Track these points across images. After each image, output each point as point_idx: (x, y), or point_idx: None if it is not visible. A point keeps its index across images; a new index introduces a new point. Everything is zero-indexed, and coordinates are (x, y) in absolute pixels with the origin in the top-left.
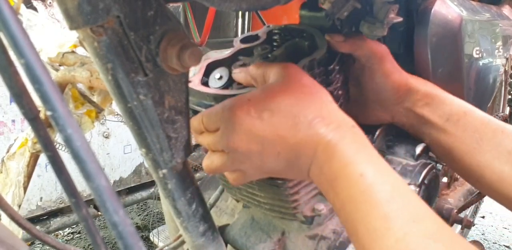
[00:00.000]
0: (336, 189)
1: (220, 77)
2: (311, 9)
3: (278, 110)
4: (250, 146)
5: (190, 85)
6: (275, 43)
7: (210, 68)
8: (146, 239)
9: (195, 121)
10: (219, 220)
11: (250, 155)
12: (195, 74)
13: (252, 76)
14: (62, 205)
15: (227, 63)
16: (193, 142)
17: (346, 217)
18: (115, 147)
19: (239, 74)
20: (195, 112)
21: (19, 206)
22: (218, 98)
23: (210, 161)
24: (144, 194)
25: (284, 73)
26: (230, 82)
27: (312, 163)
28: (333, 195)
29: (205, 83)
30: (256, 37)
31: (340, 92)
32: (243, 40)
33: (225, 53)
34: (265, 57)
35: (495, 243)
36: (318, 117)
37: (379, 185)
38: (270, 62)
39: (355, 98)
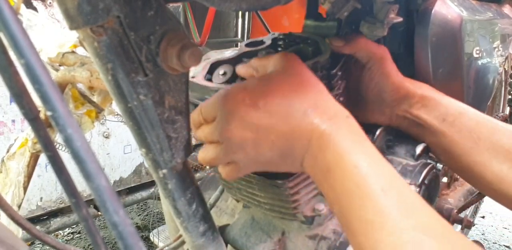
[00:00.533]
0: (330, 180)
1: (224, 73)
2: (316, 19)
3: (273, 99)
4: (244, 134)
5: (194, 80)
6: (279, 48)
7: (213, 67)
8: (146, 239)
9: (194, 114)
10: (219, 220)
11: (244, 143)
12: (195, 73)
13: (253, 67)
14: (62, 205)
15: (231, 63)
16: (193, 142)
17: (340, 209)
18: (115, 147)
19: (241, 68)
20: None
21: (19, 206)
22: None
23: (205, 153)
24: (144, 194)
25: (283, 63)
26: (234, 79)
27: (306, 152)
28: (327, 186)
29: (208, 80)
30: (261, 42)
31: (341, 98)
32: (248, 45)
33: (226, 53)
34: None
35: (495, 243)
36: (313, 107)
37: (373, 177)
38: None
39: (354, 100)
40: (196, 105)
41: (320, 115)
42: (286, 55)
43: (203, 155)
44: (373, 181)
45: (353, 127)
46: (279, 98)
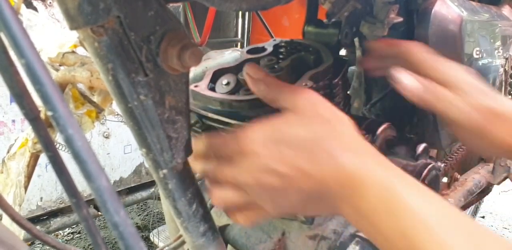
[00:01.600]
0: (380, 225)
1: (228, 83)
2: (317, 25)
3: (296, 145)
4: (269, 180)
5: (197, 90)
6: (281, 56)
7: (216, 76)
8: (146, 239)
9: (200, 146)
10: (219, 220)
11: (269, 190)
12: (195, 76)
13: (263, 95)
14: (62, 205)
15: (233, 71)
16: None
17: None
18: (115, 147)
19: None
20: (200, 116)
21: (20, 206)
22: (224, 103)
23: (223, 194)
24: (144, 194)
25: (298, 101)
26: (237, 89)
27: (340, 196)
28: (374, 231)
29: (211, 89)
30: (262, 49)
31: (341, 107)
32: (249, 51)
33: (226, 53)
34: (271, 68)
35: None
36: (337, 148)
37: (430, 215)
38: (276, 73)
39: None
40: (198, 114)
41: (348, 158)
42: (301, 93)
43: (222, 196)
44: (432, 220)
45: (384, 162)
46: (301, 143)
